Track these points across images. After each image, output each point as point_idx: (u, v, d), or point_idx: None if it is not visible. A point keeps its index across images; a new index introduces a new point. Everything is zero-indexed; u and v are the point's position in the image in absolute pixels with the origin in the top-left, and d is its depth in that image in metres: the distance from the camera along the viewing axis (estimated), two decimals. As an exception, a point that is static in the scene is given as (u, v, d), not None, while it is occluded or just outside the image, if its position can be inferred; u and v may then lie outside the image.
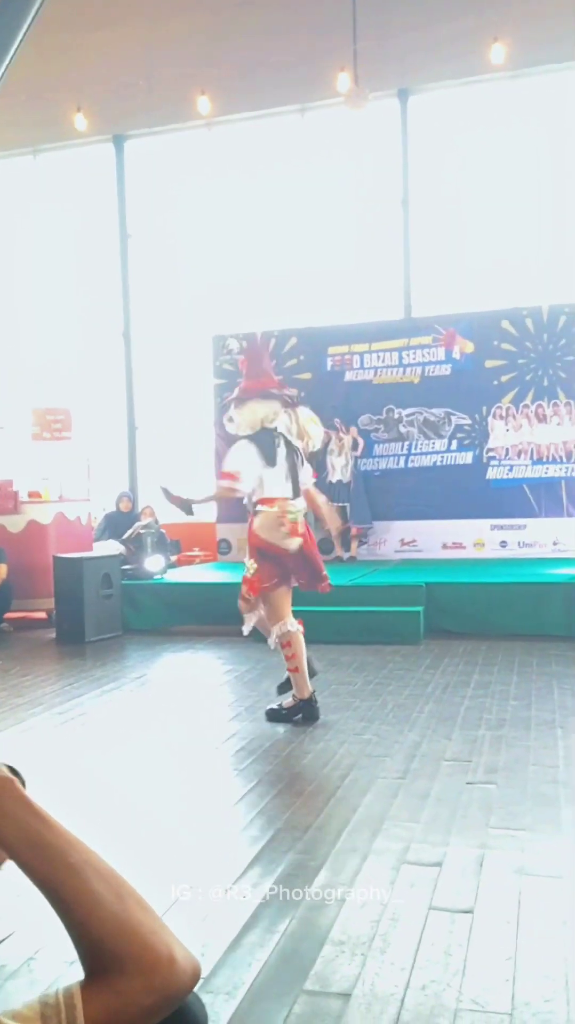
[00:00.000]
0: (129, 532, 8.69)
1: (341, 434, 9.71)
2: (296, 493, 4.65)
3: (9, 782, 0.90)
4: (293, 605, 4.87)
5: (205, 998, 2.09)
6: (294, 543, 4.62)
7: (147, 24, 10.73)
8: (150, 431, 11.74)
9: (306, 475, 4.75)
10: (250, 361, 5.04)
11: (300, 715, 4.64)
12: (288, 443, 4.64)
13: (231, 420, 4.76)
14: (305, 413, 4.81)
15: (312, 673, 4.76)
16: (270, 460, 4.54)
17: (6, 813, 0.89)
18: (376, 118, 10.30)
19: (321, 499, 5.08)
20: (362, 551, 9.75)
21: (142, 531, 8.41)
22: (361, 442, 9.80)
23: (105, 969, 0.89)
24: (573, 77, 9.94)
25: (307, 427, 4.74)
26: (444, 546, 9.65)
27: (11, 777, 0.92)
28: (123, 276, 11.69)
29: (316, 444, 4.86)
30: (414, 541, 9.80)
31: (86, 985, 0.90)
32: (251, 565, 4.70)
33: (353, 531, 9.72)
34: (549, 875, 2.71)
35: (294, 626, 4.71)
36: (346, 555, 9.73)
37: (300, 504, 4.67)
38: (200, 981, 2.15)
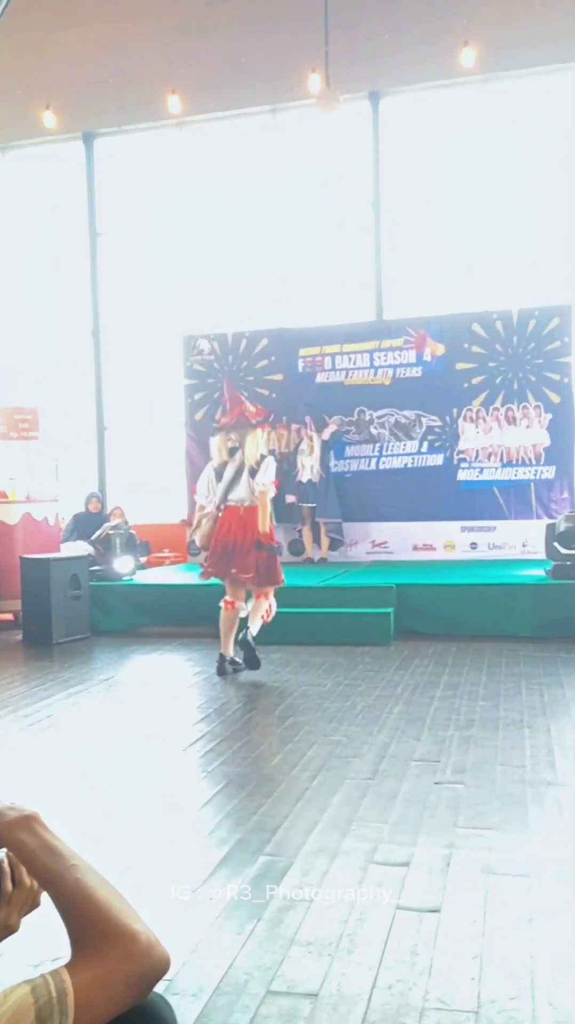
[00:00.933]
0: (98, 533, 8.62)
1: (311, 432, 9.69)
2: (225, 501, 5.86)
3: (34, 818, 1.15)
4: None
5: (171, 1000, 2.07)
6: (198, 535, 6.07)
7: (116, 22, 10.70)
8: (120, 431, 11.66)
9: (255, 484, 5.79)
10: (231, 400, 6.61)
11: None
12: (239, 463, 5.84)
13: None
14: (256, 436, 5.89)
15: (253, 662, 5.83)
16: (218, 478, 5.89)
17: (35, 833, 1.14)
18: (347, 120, 10.32)
19: (261, 504, 5.87)
20: (335, 553, 9.75)
21: (111, 532, 8.35)
22: (332, 424, 9.73)
23: (92, 943, 1.06)
24: (542, 82, 10.03)
25: (248, 448, 5.83)
26: (415, 548, 9.69)
27: (35, 813, 1.16)
28: (92, 275, 11.60)
29: (254, 461, 5.85)
30: (385, 543, 9.83)
31: (73, 960, 1.06)
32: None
33: (322, 529, 9.71)
34: (515, 874, 2.72)
35: (223, 603, 6.05)
36: (317, 557, 9.73)
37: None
38: (166, 983, 2.13)
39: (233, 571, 5.85)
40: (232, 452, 5.86)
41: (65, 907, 1.10)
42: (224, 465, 5.86)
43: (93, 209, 11.61)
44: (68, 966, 1.06)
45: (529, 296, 9.67)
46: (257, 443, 5.85)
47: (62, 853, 1.13)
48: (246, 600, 6.06)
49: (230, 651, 5.92)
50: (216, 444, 5.99)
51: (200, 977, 2.18)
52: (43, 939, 2.33)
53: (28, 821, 1.14)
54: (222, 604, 6.02)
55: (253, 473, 5.78)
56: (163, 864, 2.91)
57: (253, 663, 5.81)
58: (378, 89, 10.43)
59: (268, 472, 5.80)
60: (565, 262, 9.96)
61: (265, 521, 5.80)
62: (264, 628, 6.02)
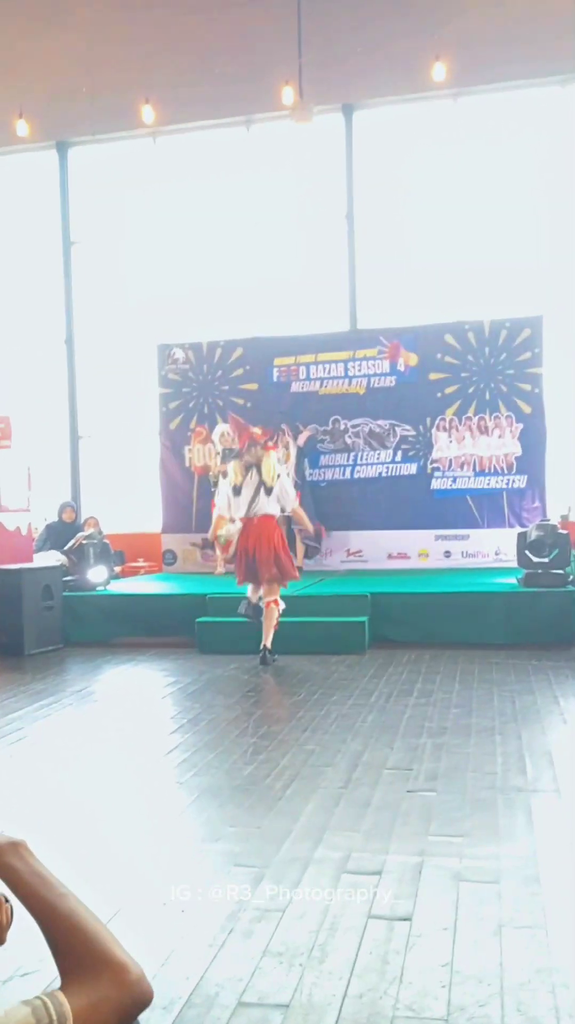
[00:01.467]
0: (71, 543, 8.57)
1: (287, 439, 9.69)
2: (248, 514, 6.68)
3: (22, 845, 1.16)
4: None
5: (141, 1014, 2.06)
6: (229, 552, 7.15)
7: (90, 31, 10.72)
8: (94, 440, 11.62)
9: (282, 500, 6.77)
10: (237, 429, 7.65)
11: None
12: (260, 480, 6.66)
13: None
14: (270, 458, 6.77)
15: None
16: (236, 494, 6.74)
17: (23, 859, 1.16)
18: (321, 132, 10.40)
19: (297, 512, 7.18)
20: (310, 563, 9.77)
21: (85, 541, 8.31)
22: (307, 432, 9.74)
23: (85, 971, 1.09)
24: (513, 97, 10.18)
25: (264, 469, 6.67)
26: (389, 556, 9.73)
27: (23, 841, 1.17)
28: (66, 283, 11.57)
29: (270, 480, 6.68)
30: (360, 551, 9.86)
31: (66, 986, 1.09)
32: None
33: (298, 537, 9.70)
34: (485, 881, 2.75)
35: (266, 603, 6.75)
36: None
37: (235, 526, 6.89)
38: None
39: (262, 573, 6.66)
40: (247, 470, 6.69)
41: (57, 935, 1.12)
42: (241, 484, 6.70)
43: (67, 218, 11.59)
44: (63, 990, 1.09)
45: (501, 307, 9.78)
46: (271, 464, 6.71)
47: (51, 881, 1.16)
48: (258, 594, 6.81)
49: (270, 642, 6.64)
50: (233, 467, 6.85)
51: (171, 990, 2.17)
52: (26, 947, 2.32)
53: (16, 848, 1.16)
54: (263, 604, 6.74)
55: (269, 491, 6.65)
56: (135, 875, 2.90)
57: (266, 663, 6.61)
58: (352, 102, 10.53)
59: (289, 492, 6.86)
60: (536, 274, 10.09)
61: (308, 523, 7.65)
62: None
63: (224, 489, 6.97)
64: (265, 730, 4.70)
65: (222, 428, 9.78)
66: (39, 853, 1.17)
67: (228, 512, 6.90)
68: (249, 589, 6.84)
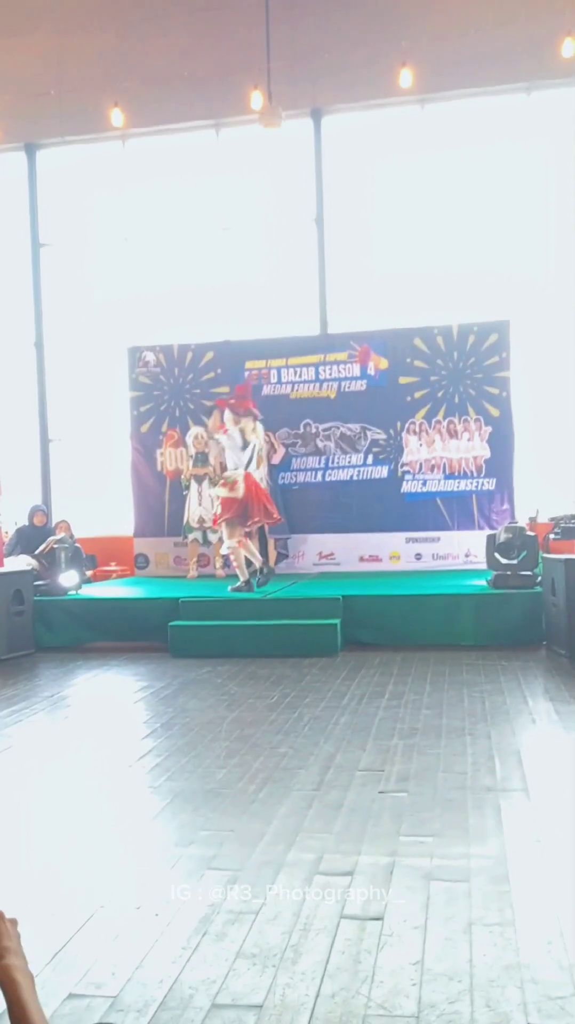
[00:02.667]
0: (42, 547, 8.52)
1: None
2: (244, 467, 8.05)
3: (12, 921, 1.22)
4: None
5: (115, 1017, 2.08)
6: (238, 490, 8.00)
7: (58, 33, 10.69)
8: (64, 444, 11.56)
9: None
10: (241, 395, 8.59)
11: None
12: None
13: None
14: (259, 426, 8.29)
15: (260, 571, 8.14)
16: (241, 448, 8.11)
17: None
18: (290, 137, 10.45)
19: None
20: (281, 565, 9.80)
21: (56, 546, 8.26)
22: (281, 449, 9.82)
23: None
24: (478, 104, 10.31)
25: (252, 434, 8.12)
26: (361, 559, 9.79)
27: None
28: (35, 286, 11.50)
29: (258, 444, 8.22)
30: (332, 554, 9.91)
31: None
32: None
33: (271, 542, 9.75)
34: (456, 879, 2.79)
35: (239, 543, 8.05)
36: (264, 569, 9.75)
37: (239, 472, 8.06)
38: (111, 1000, 2.14)
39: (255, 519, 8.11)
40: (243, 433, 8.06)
41: (18, 1011, 1.16)
42: (245, 445, 8.07)
43: (36, 220, 11.52)
44: None
45: (469, 312, 9.89)
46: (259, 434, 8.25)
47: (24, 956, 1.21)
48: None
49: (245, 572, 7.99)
50: (231, 423, 8.14)
51: (145, 993, 2.19)
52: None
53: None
54: (237, 543, 8.00)
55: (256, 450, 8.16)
56: (108, 879, 2.91)
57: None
58: (320, 107, 10.59)
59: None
60: (503, 279, 10.22)
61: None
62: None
63: (230, 440, 8.18)
64: (238, 733, 4.71)
65: (195, 431, 9.79)
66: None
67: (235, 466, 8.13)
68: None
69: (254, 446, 8.12)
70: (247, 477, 8.00)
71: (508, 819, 3.33)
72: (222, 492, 8.15)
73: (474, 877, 2.81)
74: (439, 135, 10.47)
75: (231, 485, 8.00)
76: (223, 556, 9.60)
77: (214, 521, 8.64)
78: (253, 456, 8.08)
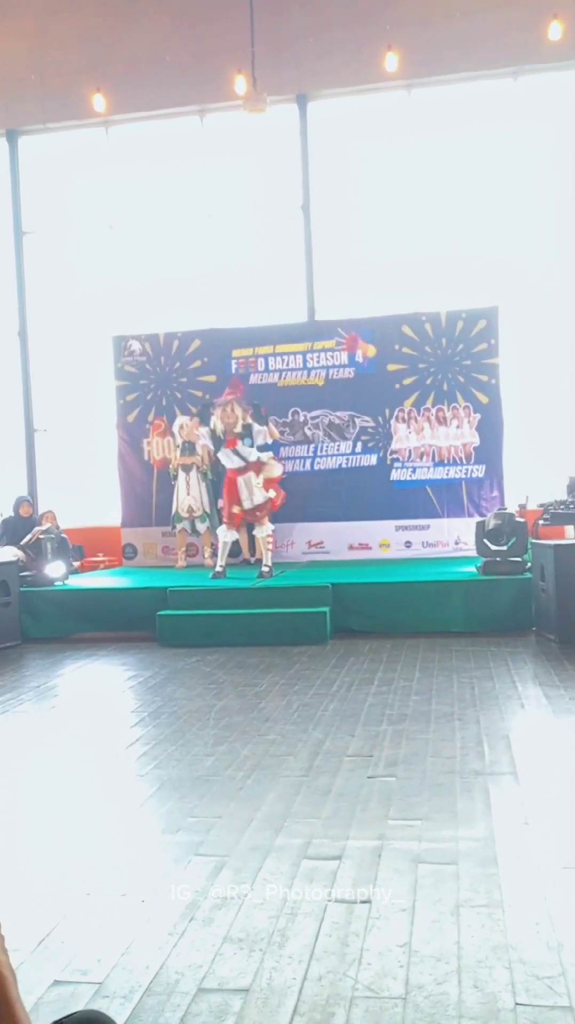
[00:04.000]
0: (28, 537, 8.46)
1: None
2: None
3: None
4: None
5: (101, 1002, 2.06)
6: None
7: (38, 17, 10.57)
8: (50, 433, 11.48)
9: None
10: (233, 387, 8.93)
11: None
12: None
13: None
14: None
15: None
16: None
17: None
18: (275, 122, 10.37)
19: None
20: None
21: (42, 536, 8.21)
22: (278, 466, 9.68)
23: None
24: (464, 89, 10.25)
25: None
26: (351, 547, 9.77)
27: None
28: (19, 274, 11.39)
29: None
30: (321, 543, 9.88)
31: None
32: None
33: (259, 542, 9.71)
34: (443, 862, 2.78)
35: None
36: (253, 558, 9.73)
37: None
38: (96, 986, 2.12)
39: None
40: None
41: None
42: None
43: (18, 207, 11.41)
44: None
45: (457, 298, 9.85)
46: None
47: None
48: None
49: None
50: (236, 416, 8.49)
51: (131, 978, 2.17)
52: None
53: None
54: (267, 536, 8.44)
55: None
56: (95, 866, 2.88)
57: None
58: (305, 92, 10.50)
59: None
60: (491, 265, 10.19)
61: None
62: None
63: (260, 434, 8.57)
64: (226, 721, 4.69)
65: (181, 420, 9.74)
66: None
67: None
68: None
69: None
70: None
71: (496, 802, 3.33)
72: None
73: (462, 860, 2.80)
74: (426, 120, 10.41)
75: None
76: (212, 545, 9.56)
77: (272, 506, 8.70)
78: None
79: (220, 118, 10.74)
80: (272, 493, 8.58)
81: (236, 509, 8.38)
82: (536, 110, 10.22)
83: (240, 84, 9.59)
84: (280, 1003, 2.03)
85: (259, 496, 8.38)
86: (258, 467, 8.43)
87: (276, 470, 8.79)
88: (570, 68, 9.88)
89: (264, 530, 8.50)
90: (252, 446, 8.41)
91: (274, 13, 9.80)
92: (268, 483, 8.55)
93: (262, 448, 8.49)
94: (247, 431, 8.46)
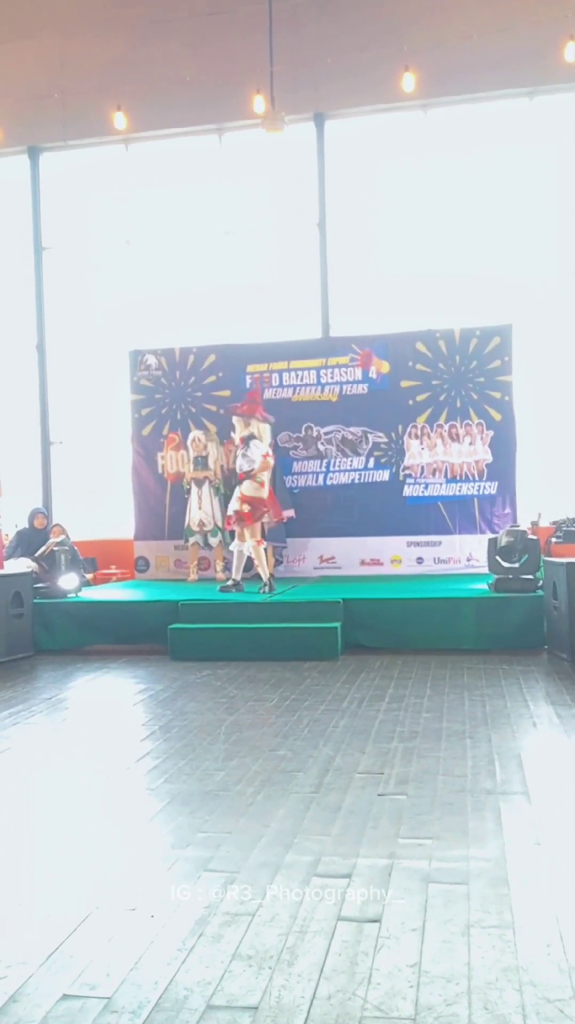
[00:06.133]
0: (42, 549, 8.51)
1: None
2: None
3: None
4: None
5: (109, 1019, 2.06)
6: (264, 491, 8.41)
7: (61, 37, 10.73)
8: (66, 446, 11.56)
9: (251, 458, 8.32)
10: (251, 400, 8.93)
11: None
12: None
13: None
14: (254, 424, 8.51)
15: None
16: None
17: None
18: (293, 141, 10.47)
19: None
20: (280, 568, 9.78)
21: (55, 548, 8.25)
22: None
23: None
24: (481, 109, 10.32)
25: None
26: (362, 562, 9.77)
27: None
28: (38, 288, 11.52)
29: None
30: (332, 558, 9.89)
31: None
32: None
33: (269, 549, 9.73)
34: (454, 882, 2.76)
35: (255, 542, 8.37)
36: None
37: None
38: (104, 1001, 2.12)
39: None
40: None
41: None
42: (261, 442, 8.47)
43: (38, 223, 11.55)
44: None
45: (471, 316, 9.88)
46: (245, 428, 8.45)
47: None
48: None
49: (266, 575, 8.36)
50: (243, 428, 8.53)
51: (139, 994, 2.16)
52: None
53: None
54: (254, 543, 8.30)
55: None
56: (104, 881, 2.88)
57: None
58: (323, 111, 10.61)
59: (255, 457, 8.28)
60: (506, 283, 10.22)
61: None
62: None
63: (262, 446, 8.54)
64: (237, 736, 4.69)
65: (195, 434, 9.78)
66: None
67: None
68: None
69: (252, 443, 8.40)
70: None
71: (508, 822, 3.31)
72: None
73: (473, 880, 2.78)
74: (442, 140, 10.49)
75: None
76: (224, 559, 9.61)
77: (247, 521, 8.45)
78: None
79: (238, 136, 10.87)
80: (246, 507, 8.18)
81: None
82: (551, 130, 10.28)
83: (258, 103, 9.70)
84: (289, 1021, 2.02)
85: (234, 504, 8.31)
86: (245, 477, 8.26)
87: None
88: (586, 89, 9.94)
89: (242, 545, 8.27)
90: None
91: (292, 34, 9.92)
92: (252, 500, 8.20)
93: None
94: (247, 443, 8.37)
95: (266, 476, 8.33)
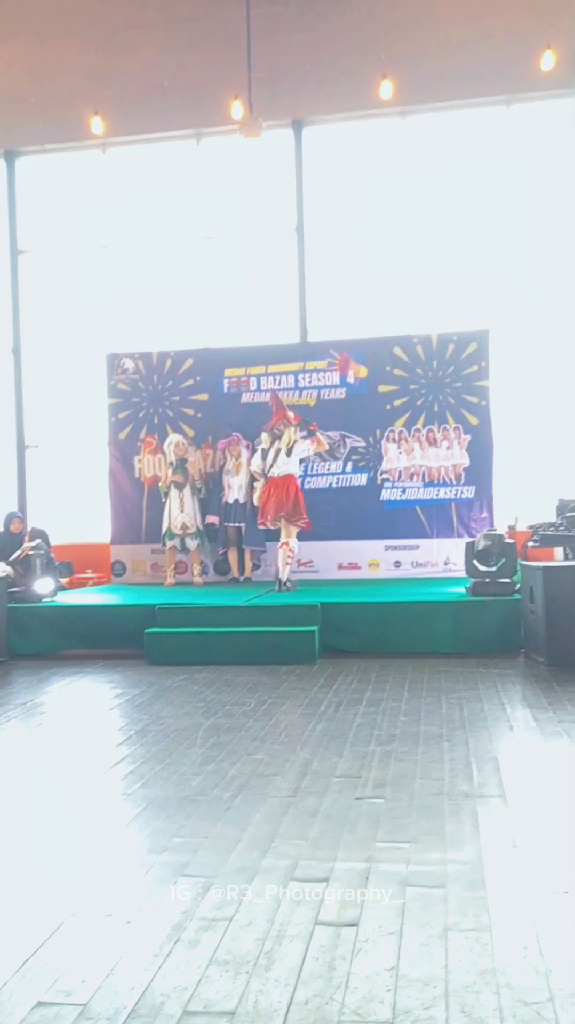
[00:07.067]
0: (17, 553, 8.43)
1: (240, 448, 9.67)
2: (271, 473, 8.70)
3: None
4: None
5: (84, 1026, 2.04)
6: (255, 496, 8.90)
7: (39, 42, 10.68)
8: (42, 450, 11.47)
9: (284, 465, 8.65)
10: (277, 405, 9.10)
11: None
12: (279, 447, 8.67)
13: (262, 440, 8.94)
14: (291, 430, 8.71)
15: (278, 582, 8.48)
16: (263, 457, 8.80)
17: None
18: (271, 146, 10.49)
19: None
20: (258, 573, 9.77)
21: (31, 552, 8.18)
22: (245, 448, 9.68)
23: None
24: (458, 116, 10.40)
25: (289, 437, 8.67)
26: (340, 566, 9.78)
27: None
28: (13, 292, 11.43)
29: (287, 445, 8.66)
30: (310, 562, 9.88)
31: None
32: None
33: (247, 553, 9.74)
34: (431, 885, 2.77)
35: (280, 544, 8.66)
36: (242, 577, 9.73)
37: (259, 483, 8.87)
38: (79, 1008, 2.10)
39: (283, 517, 8.56)
40: (273, 439, 8.69)
41: None
42: (268, 449, 8.72)
43: (15, 227, 11.47)
44: None
45: (448, 321, 9.94)
46: (290, 434, 8.63)
47: None
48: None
49: (284, 575, 8.44)
50: (265, 437, 8.86)
51: (116, 1000, 2.14)
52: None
53: None
54: (280, 545, 8.59)
55: (289, 452, 8.62)
56: (80, 887, 2.85)
57: (289, 590, 8.38)
58: (301, 117, 10.63)
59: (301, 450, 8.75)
60: (483, 289, 10.29)
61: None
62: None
63: (258, 454, 8.90)
64: (214, 740, 4.67)
65: (174, 438, 9.75)
66: None
67: (260, 469, 8.81)
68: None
69: (276, 450, 8.69)
70: (269, 481, 8.68)
71: (485, 825, 3.32)
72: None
73: (450, 883, 2.79)
74: (419, 146, 10.55)
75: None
76: (201, 563, 9.59)
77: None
78: (273, 463, 8.68)
79: (216, 142, 10.86)
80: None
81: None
82: (528, 138, 10.38)
83: (236, 109, 9.70)
84: (266, 1027, 2.01)
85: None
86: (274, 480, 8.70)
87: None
88: (562, 97, 10.05)
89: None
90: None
91: (270, 40, 9.94)
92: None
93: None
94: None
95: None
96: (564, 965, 2.26)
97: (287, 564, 8.43)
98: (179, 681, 6.38)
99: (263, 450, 8.78)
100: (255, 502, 8.92)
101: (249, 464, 9.66)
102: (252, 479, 9.36)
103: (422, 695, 5.66)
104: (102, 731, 5.17)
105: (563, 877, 2.83)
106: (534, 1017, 2.03)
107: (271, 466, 8.64)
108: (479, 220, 10.40)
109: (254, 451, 9.07)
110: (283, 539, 8.51)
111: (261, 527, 8.99)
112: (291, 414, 8.85)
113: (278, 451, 8.62)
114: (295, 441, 8.63)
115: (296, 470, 8.73)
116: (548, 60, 9.40)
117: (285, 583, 8.36)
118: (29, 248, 11.50)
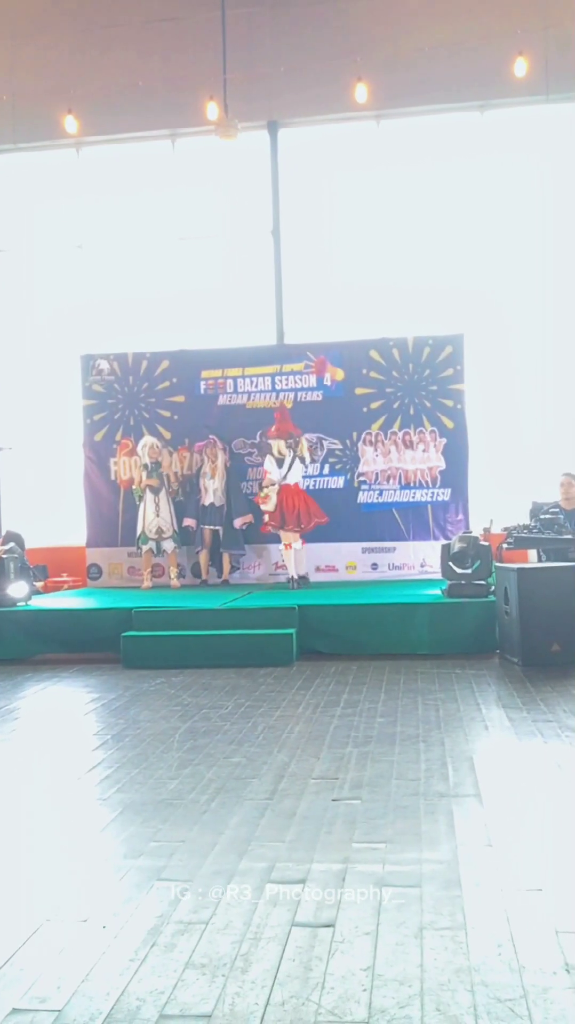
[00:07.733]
0: (-8, 557, 8.34)
1: (216, 451, 9.65)
2: (286, 480, 9.10)
3: None
4: None
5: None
6: (269, 504, 9.03)
7: (12, 40, 10.61)
8: (15, 452, 11.38)
9: (297, 473, 9.17)
10: (283, 417, 9.42)
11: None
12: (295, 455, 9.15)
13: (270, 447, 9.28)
14: (303, 441, 9.25)
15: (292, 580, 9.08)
16: (279, 465, 9.12)
17: None
18: (247, 148, 10.50)
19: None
20: (235, 575, 9.76)
21: (4, 556, 8.11)
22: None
23: None
24: (432, 121, 10.47)
25: (303, 449, 9.22)
26: (317, 569, 9.79)
27: None
28: (-12, 293, 11.34)
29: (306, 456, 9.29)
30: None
31: None
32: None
33: (226, 556, 9.73)
34: (407, 885, 2.78)
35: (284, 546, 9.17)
36: (219, 579, 9.72)
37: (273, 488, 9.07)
38: (55, 1013, 2.08)
39: (290, 525, 9.02)
40: (289, 449, 9.07)
41: None
42: (283, 458, 9.09)
43: (-12, 226, 11.38)
44: None
45: (424, 325, 10.00)
46: (304, 445, 9.19)
47: None
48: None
49: (295, 573, 9.06)
50: (277, 446, 9.14)
51: (91, 1006, 2.13)
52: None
53: None
54: (283, 547, 9.13)
55: (303, 461, 9.19)
56: (55, 892, 2.84)
57: (306, 585, 9.07)
58: (276, 119, 10.65)
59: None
60: (457, 292, 10.37)
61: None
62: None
63: (271, 462, 9.18)
64: (191, 744, 4.66)
65: (147, 440, 9.72)
66: None
67: (279, 479, 9.08)
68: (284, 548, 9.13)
69: (290, 460, 9.07)
70: (282, 489, 8.96)
71: (460, 824, 3.34)
72: (262, 506, 9.18)
73: (426, 882, 2.80)
74: (394, 150, 10.61)
75: (263, 500, 9.07)
76: (178, 566, 9.57)
77: (263, 529, 9.30)
78: (289, 471, 9.03)
79: (192, 143, 10.86)
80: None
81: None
82: (502, 143, 10.47)
83: (212, 110, 9.71)
84: (242, 1029, 2.01)
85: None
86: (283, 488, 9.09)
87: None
88: (535, 103, 10.15)
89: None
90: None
91: (246, 42, 9.96)
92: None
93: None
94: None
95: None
96: (537, 962, 2.28)
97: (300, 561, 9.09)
98: (156, 685, 6.36)
99: (278, 459, 9.09)
100: (268, 507, 9.03)
101: (226, 466, 9.67)
102: (260, 486, 9.36)
103: (399, 696, 5.68)
104: (78, 736, 5.14)
105: (537, 875, 2.86)
106: (508, 1014, 2.05)
107: (287, 474, 9.04)
108: (455, 224, 10.48)
109: (271, 460, 9.19)
110: (286, 541, 8.99)
111: (273, 530, 9.16)
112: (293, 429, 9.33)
113: (294, 460, 9.05)
114: (306, 450, 9.26)
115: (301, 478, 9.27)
116: (521, 67, 9.50)
117: (302, 577, 9.05)
118: (2, 247, 11.41)
